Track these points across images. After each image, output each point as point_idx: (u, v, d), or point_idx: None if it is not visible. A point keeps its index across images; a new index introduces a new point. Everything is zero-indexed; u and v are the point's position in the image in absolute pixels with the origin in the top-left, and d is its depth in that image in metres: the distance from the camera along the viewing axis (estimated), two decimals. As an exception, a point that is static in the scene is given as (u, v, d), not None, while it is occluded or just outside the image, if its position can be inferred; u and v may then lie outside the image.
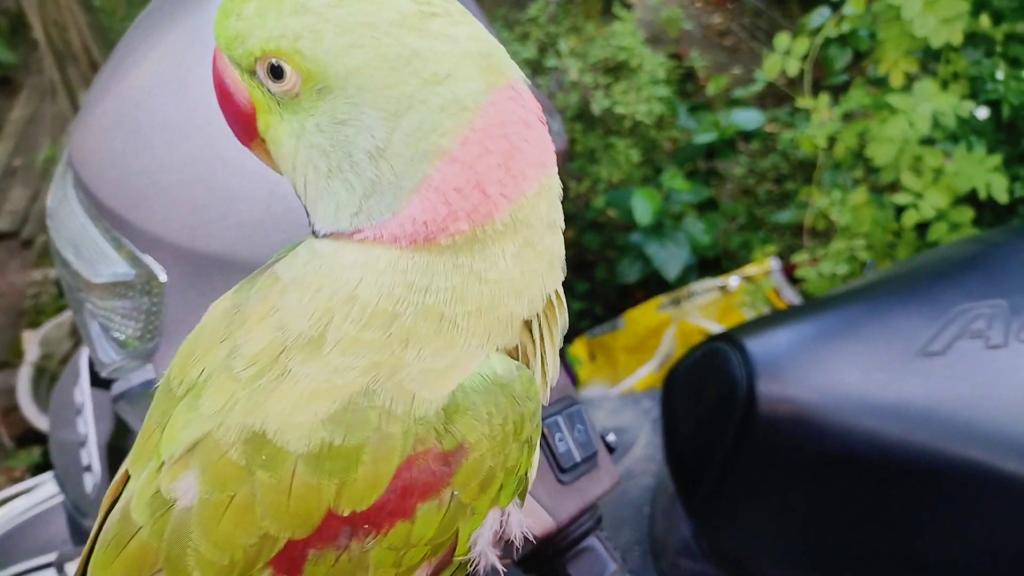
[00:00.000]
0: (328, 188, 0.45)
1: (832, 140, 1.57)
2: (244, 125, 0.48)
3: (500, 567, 0.49)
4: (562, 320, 0.51)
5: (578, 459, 0.71)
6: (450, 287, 0.45)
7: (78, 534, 1.02)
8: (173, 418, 0.47)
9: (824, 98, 1.58)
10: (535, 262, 0.47)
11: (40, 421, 1.93)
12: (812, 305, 1.07)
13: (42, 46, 2.34)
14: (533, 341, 0.49)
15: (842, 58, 1.76)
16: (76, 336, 1.13)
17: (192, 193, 0.75)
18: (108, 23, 2.31)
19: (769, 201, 2.02)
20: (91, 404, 0.95)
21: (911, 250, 1.53)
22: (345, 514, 0.43)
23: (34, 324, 2.26)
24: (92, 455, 0.93)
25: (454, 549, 0.48)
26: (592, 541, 0.67)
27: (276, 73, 0.43)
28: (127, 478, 0.50)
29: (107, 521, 0.48)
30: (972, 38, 1.57)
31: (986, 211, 1.51)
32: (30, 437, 2.01)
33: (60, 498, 1.07)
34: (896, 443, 0.88)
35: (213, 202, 0.74)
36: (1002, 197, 1.39)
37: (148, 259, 0.76)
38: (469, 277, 0.45)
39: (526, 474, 0.50)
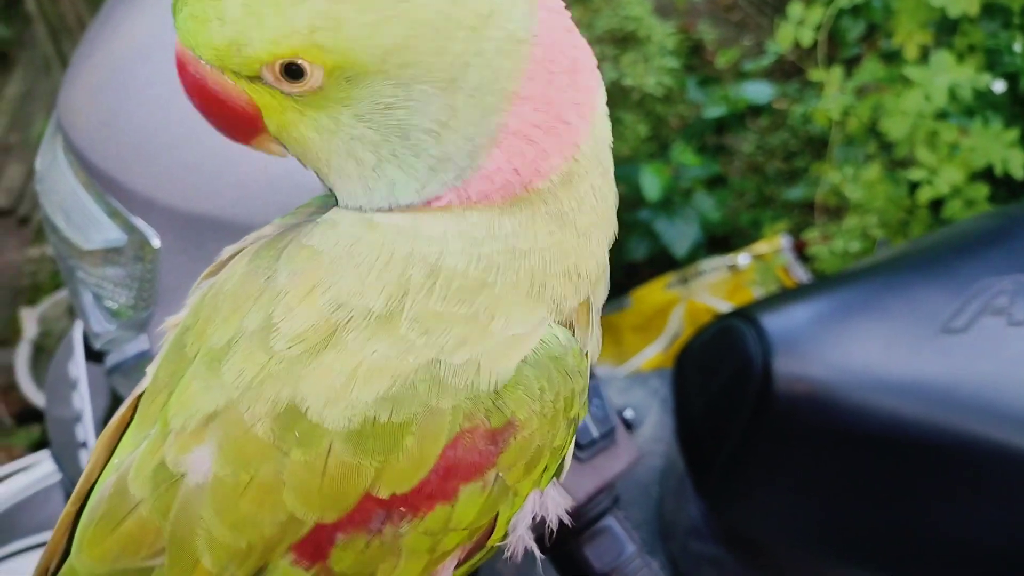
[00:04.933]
0: (377, 176, 0.40)
1: (845, 114, 1.53)
2: (244, 130, 0.42)
3: (538, 552, 0.45)
4: (605, 284, 0.46)
5: (595, 435, 0.68)
6: (552, 244, 0.40)
7: (76, 512, 1.00)
8: (185, 382, 0.42)
9: (837, 70, 1.54)
10: (609, 195, 0.42)
11: (39, 399, 1.91)
12: (829, 281, 1.04)
13: (36, 20, 2.30)
14: (588, 308, 0.45)
15: (855, 30, 1.72)
16: (74, 313, 1.11)
17: (186, 152, 0.70)
18: (103, -5, 2.26)
19: (778, 178, 1.99)
20: (86, 379, 0.92)
21: (924, 227, 1.50)
22: (383, 496, 0.39)
23: (32, 302, 2.23)
24: (88, 431, 0.90)
25: (489, 534, 0.44)
26: (610, 521, 0.64)
27: (292, 73, 0.37)
28: (117, 440, 0.46)
29: (97, 492, 0.44)
30: (988, 9, 1.53)
31: (1001, 187, 1.48)
32: (29, 415, 1.99)
33: (59, 476, 1.05)
34: (917, 422, 0.86)
35: (208, 162, 0.70)
36: (1018, 173, 1.36)
37: (141, 223, 0.72)
38: (567, 229, 0.40)
39: (566, 454, 0.46)
